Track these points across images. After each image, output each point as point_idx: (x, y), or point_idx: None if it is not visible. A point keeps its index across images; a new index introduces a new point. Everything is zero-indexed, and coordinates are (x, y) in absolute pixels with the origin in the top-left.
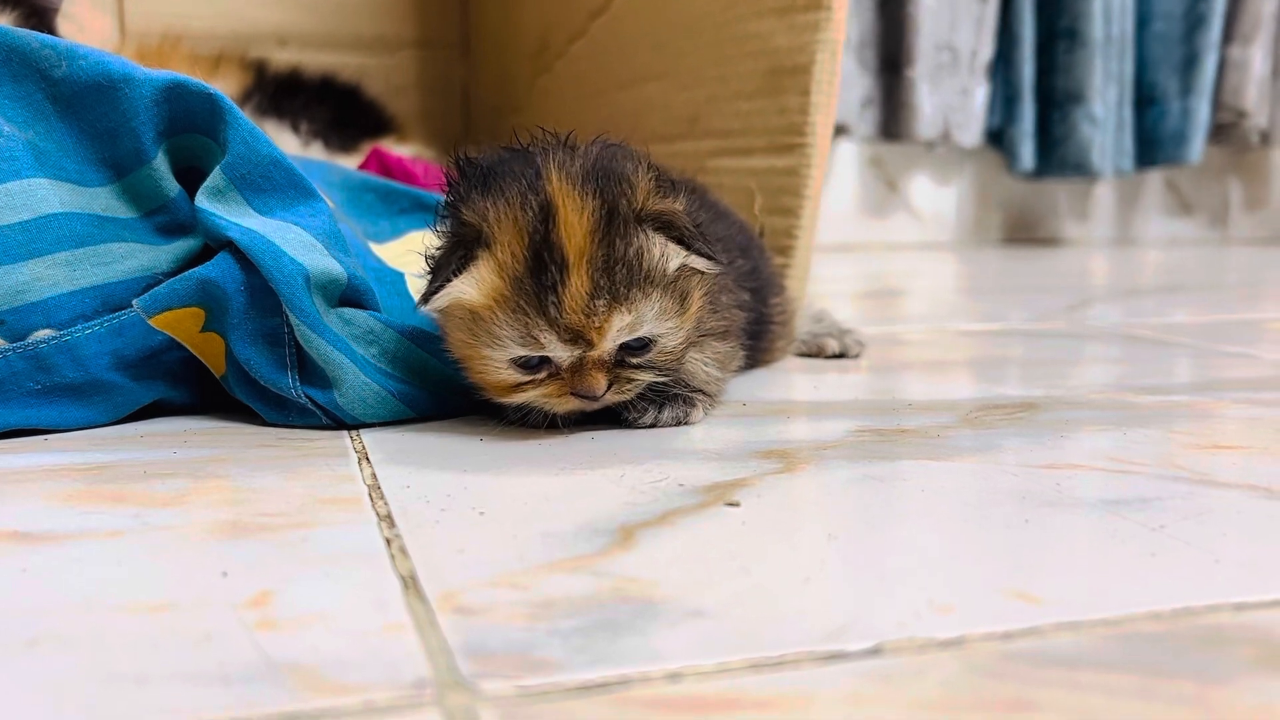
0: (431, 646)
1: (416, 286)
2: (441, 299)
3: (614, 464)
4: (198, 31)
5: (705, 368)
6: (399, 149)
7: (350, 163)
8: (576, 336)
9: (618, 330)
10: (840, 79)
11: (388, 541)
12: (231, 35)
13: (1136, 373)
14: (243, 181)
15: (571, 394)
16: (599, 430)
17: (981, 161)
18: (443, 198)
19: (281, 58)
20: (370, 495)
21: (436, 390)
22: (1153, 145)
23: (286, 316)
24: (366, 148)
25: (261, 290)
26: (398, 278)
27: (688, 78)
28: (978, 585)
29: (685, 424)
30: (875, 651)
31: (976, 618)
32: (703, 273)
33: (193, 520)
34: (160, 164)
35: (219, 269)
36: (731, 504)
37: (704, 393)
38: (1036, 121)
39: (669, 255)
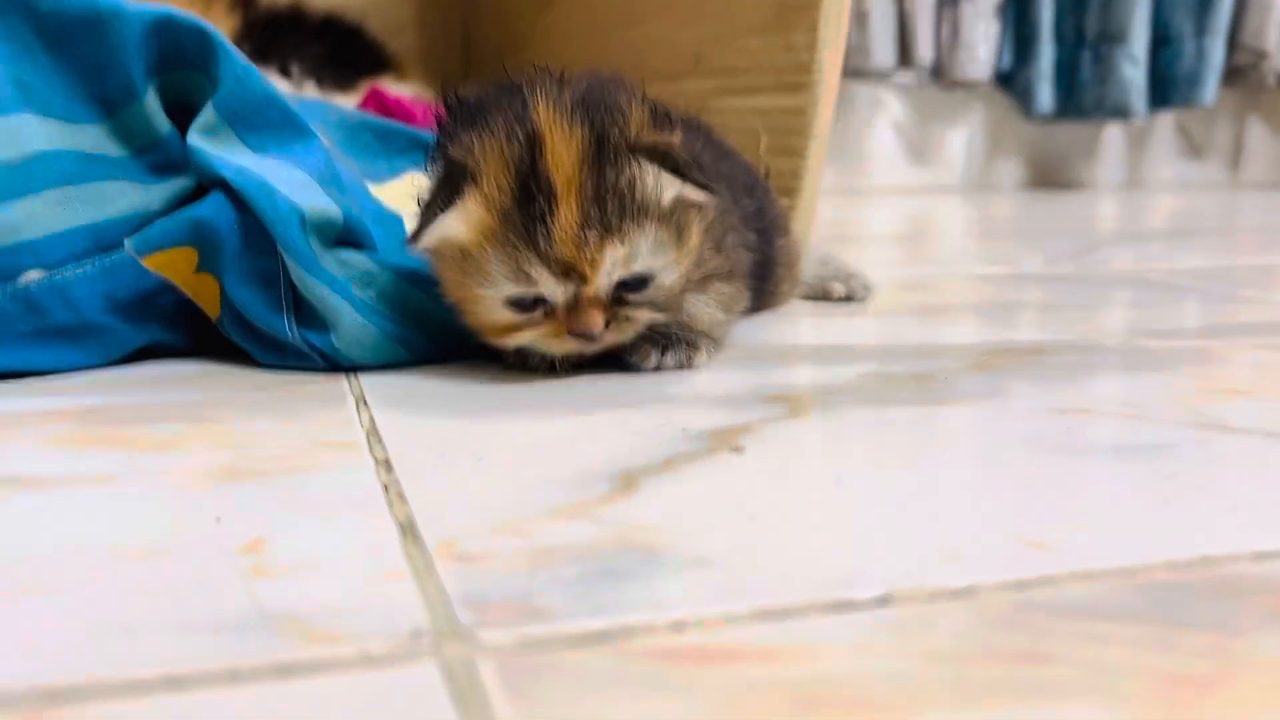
0: (429, 595)
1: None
2: (429, 237)
3: (616, 408)
4: None
5: (708, 309)
6: (398, 88)
7: (347, 102)
8: (568, 270)
9: (611, 264)
10: (849, 15)
11: (385, 487)
12: None
13: (1148, 317)
14: (235, 119)
15: (569, 334)
16: (601, 374)
17: (992, 104)
18: (434, 137)
19: None
20: (368, 439)
21: (435, 334)
22: (1166, 86)
23: (281, 257)
24: (364, 86)
25: (255, 230)
26: (395, 220)
27: (691, 13)
28: (989, 533)
29: (688, 368)
30: (884, 601)
31: (988, 566)
32: (701, 207)
33: (187, 464)
34: (151, 101)
35: (212, 209)
36: (736, 449)
37: (708, 336)
38: (1058, 62)
39: (663, 186)
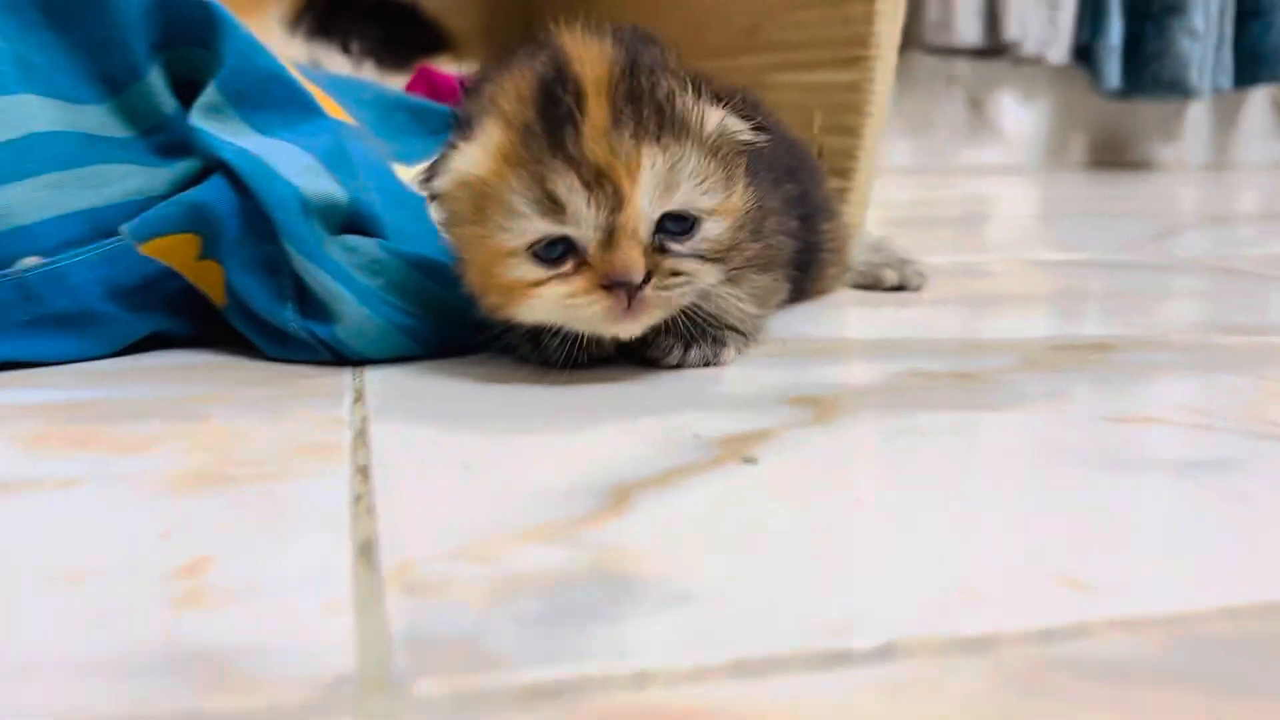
0: (367, 633)
1: None
2: (445, 177)
3: (628, 411)
4: None
5: (740, 304)
6: (455, 68)
7: (403, 81)
8: (600, 179)
9: (652, 176)
10: None
11: (357, 498)
12: None
13: (1226, 309)
14: (239, 97)
15: (603, 285)
16: (621, 373)
17: (1067, 80)
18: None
19: None
20: (354, 443)
21: (447, 325)
22: (1255, 61)
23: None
24: (418, 67)
25: (257, 215)
26: (419, 201)
27: None
28: (1020, 567)
29: (714, 364)
30: (885, 653)
31: (1013, 610)
32: (747, 152)
33: (154, 469)
34: (155, 79)
35: (212, 192)
36: (748, 460)
37: (738, 331)
38: (1126, 37)
39: (705, 111)
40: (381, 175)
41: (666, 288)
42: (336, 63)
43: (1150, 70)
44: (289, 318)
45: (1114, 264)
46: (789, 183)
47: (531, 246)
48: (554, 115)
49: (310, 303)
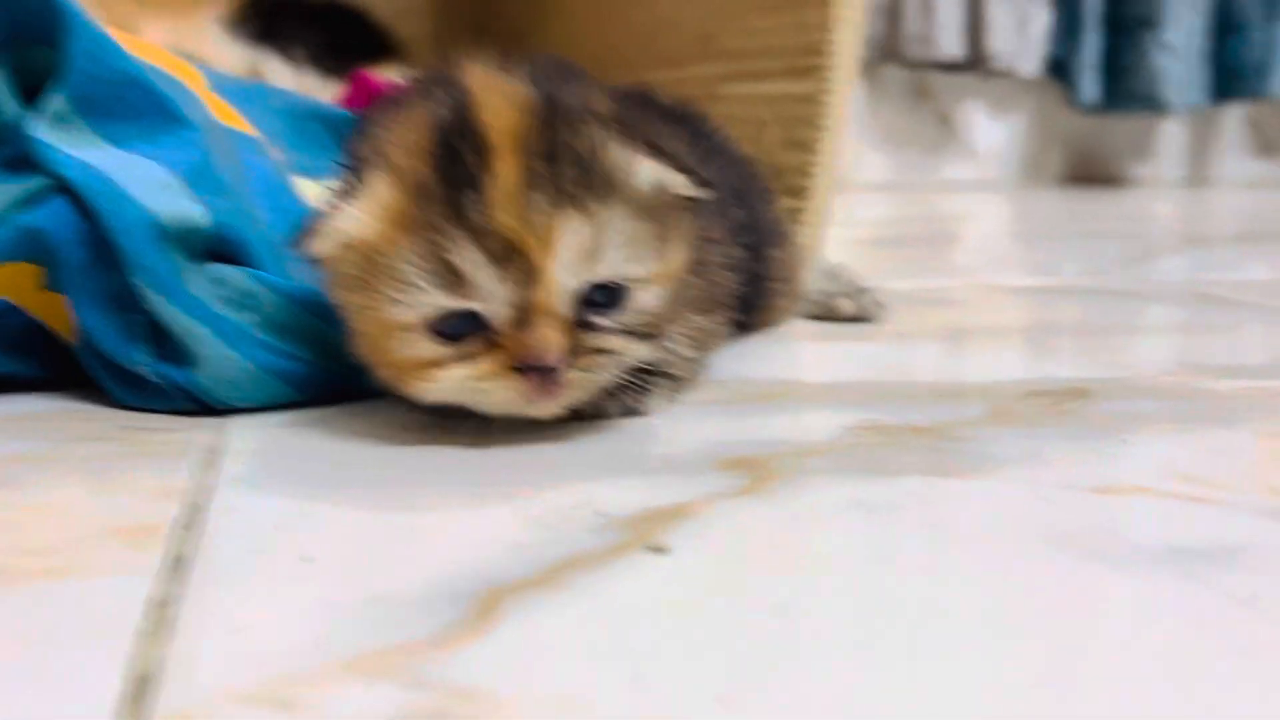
0: None
1: None
2: (323, 238)
3: (527, 479)
4: None
5: (673, 346)
6: (400, 75)
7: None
8: (510, 253)
9: (570, 247)
10: None
11: (159, 606)
12: None
13: (1211, 346)
14: (88, 105)
15: (515, 368)
16: (528, 425)
17: (1041, 94)
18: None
19: None
20: (178, 524)
21: (334, 367)
22: (1232, 77)
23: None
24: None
25: (106, 242)
26: None
27: None
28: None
29: (636, 413)
30: None
31: None
32: (687, 207)
33: None
34: None
35: (51, 215)
36: (656, 549)
37: (669, 375)
38: (1103, 50)
39: (636, 164)
40: (277, 193)
41: (588, 369)
42: (277, 68)
43: (1125, 85)
44: (141, 360)
45: (1089, 290)
46: (736, 208)
47: (429, 322)
48: (454, 174)
49: (167, 343)
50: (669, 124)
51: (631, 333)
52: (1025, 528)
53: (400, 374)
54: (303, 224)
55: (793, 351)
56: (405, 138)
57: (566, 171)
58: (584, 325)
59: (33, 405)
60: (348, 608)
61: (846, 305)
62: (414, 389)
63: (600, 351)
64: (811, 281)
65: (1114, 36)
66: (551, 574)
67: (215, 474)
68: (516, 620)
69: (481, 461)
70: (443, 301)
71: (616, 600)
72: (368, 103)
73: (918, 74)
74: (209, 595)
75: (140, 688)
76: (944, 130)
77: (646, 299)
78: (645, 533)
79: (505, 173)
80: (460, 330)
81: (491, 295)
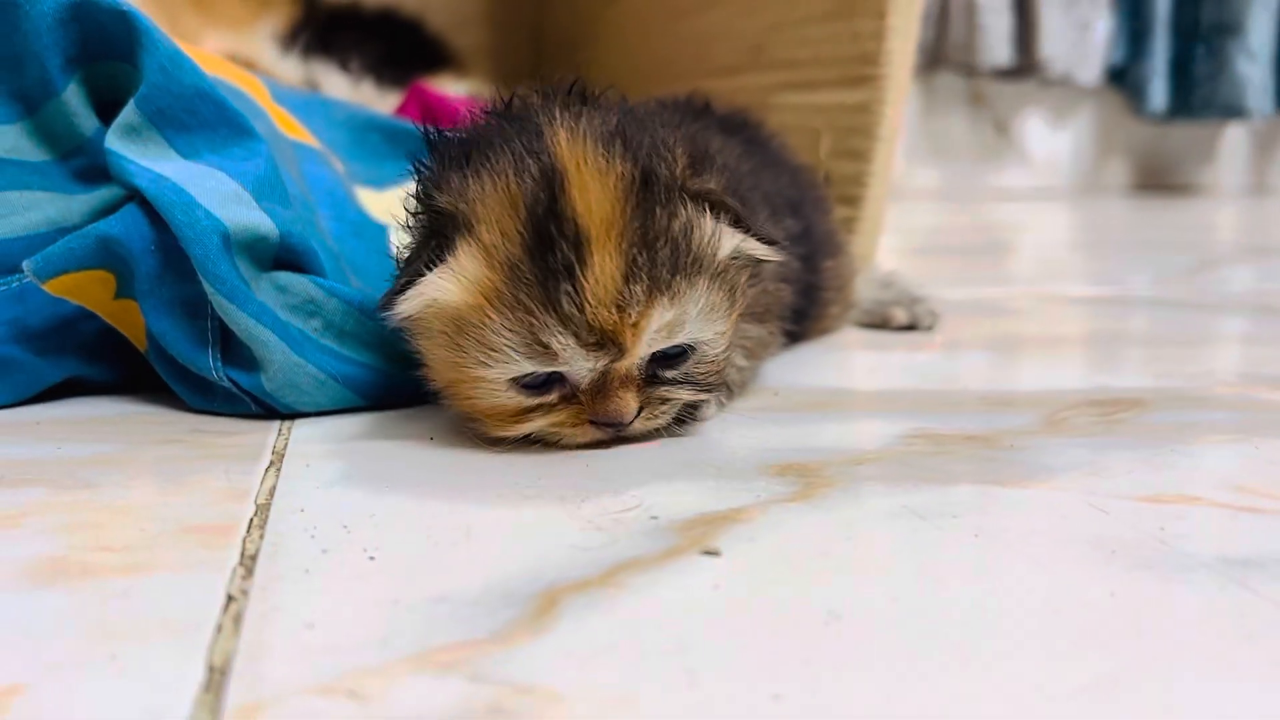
0: None
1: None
2: (409, 301)
3: (581, 484)
4: None
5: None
6: (455, 86)
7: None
8: (603, 341)
9: (656, 330)
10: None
11: (229, 601)
12: None
13: (1269, 357)
14: (161, 117)
15: (591, 422)
16: None
17: (1101, 102)
18: (414, 183)
19: None
20: (250, 522)
21: (395, 374)
22: None
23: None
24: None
25: (176, 250)
26: (379, 232)
27: (753, 0)
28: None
29: (692, 421)
30: None
31: None
32: (756, 262)
33: (5, 555)
34: (72, 96)
35: (123, 224)
36: (710, 552)
37: (724, 384)
38: (1172, 58)
39: (721, 236)
40: (339, 203)
41: (654, 417)
42: (334, 81)
43: (1202, 93)
44: (210, 365)
45: (1146, 300)
46: (790, 218)
47: (513, 380)
48: (547, 265)
49: (235, 349)
50: (725, 134)
51: (694, 383)
52: (1077, 537)
53: (477, 414)
54: (390, 286)
55: (845, 360)
56: (494, 210)
57: (660, 258)
58: (652, 380)
59: (106, 409)
60: (412, 605)
61: (900, 314)
62: (491, 431)
63: (665, 400)
64: (865, 290)
65: (1185, 44)
66: (610, 575)
67: (283, 475)
68: (573, 619)
69: (538, 466)
70: (529, 367)
71: (671, 602)
72: (424, 113)
73: (972, 81)
74: (279, 592)
75: (216, 680)
76: (999, 138)
77: (710, 351)
78: (699, 537)
79: (602, 265)
80: (541, 383)
81: (579, 368)
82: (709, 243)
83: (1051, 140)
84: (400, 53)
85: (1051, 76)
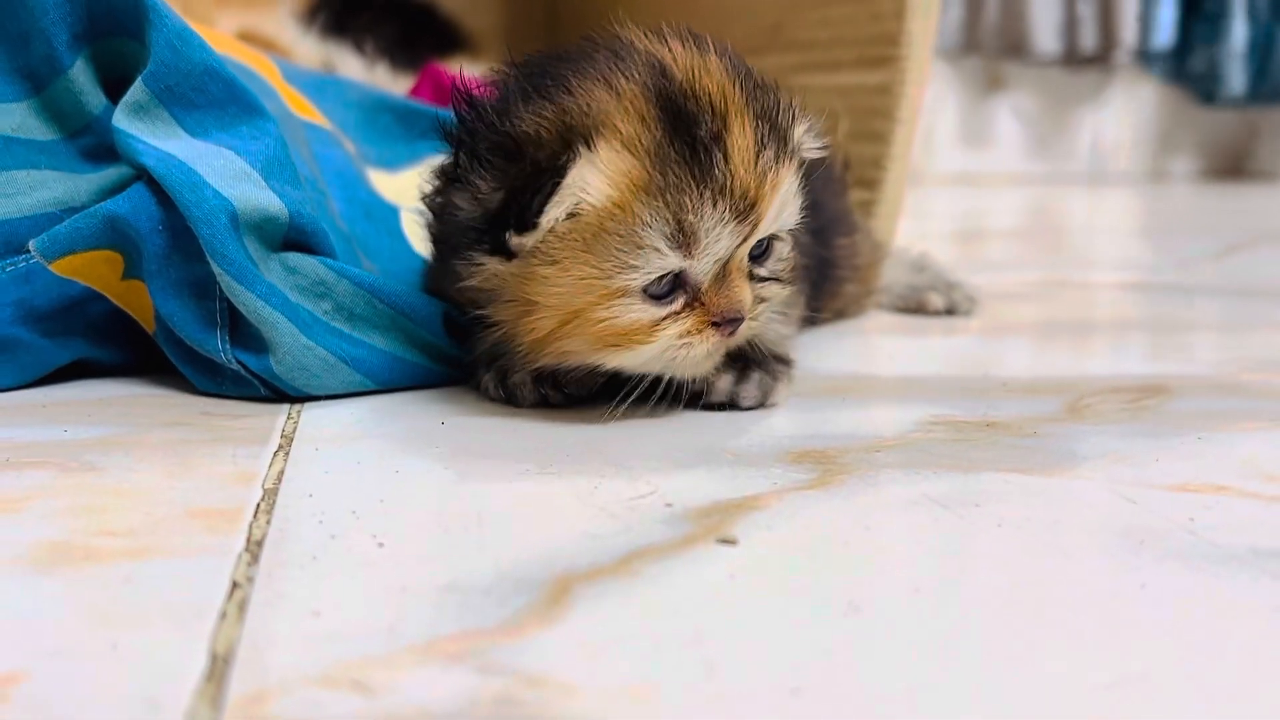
0: None
1: (414, 223)
2: (551, 211)
3: (594, 466)
4: None
5: (773, 325)
6: (469, 68)
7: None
8: (750, 208)
9: (781, 199)
10: None
11: (234, 587)
12: None
13: None
14: (169, 95)
15: (713, 324)
16: (595, 414)
17: (1168, 86)
18: (455, 136)
19: None
20: (257, 507)
21: (406, 357)
22: None
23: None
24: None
25: (184, 230)
26: (390, 213)
27: None
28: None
29: (770, 403)
30: None
31: None
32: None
33: (10, 538)
34: (79, 74)
35: (131, 204)
36: (726, 541)
37: (784, 360)
38: (1252, 40)
39: (801, 127)
40: (350, 184)
41: (755, 316)
42: (349, 62)
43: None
44: (218, 347)
45: (1176, 286)
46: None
47: (648, 285)
48: (693, 137)
49: (244, 331)
50: None
51: (778, 279)
52: (1104, 526)
53: (607, 343)
54: (519, 200)
55: (865, 345)
56: (619, 104)
57: (776, 131)
58: (751, 277)
59: (114, 391)
60: (421, 593)
61: (936, 300)
62: (615, 356)
63: (761, 299)
64: (897, 275)
65: (1258, 27)
66: (624, 563)
67: (291, 459)
68: (587, 608)
69: (552, 451)
70: (674, 262)
71: (687, 591)
72: (437, 94)
73: (1010, 64)
74: (286, 578)
75: (218, 668)
76: (1034, 122)
77: (784, 248)
78: (715, 525)
79: (741, 135)
80: (666, 290)
81: (714, 252)
82: (793, 128)
83: (1110, 126)
84: (415, 35)
85: (1106, 60)
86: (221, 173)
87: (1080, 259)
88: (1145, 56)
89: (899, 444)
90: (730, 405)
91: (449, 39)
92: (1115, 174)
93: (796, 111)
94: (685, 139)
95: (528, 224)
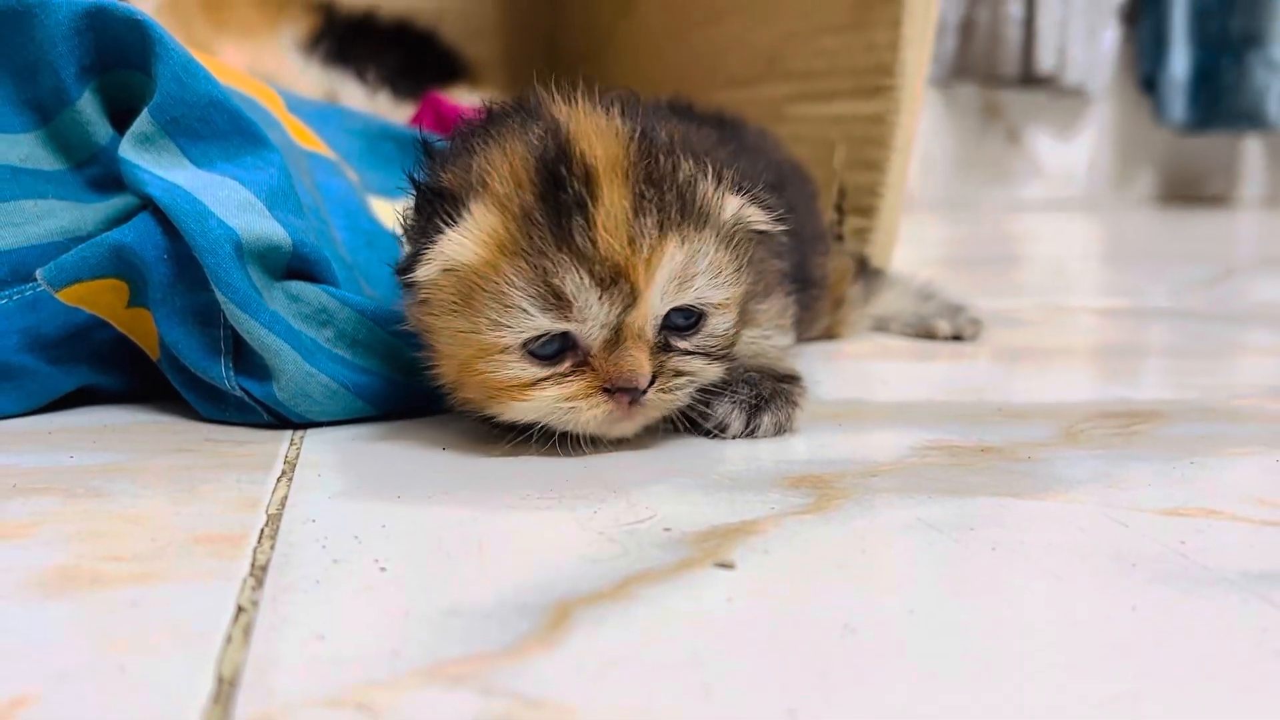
0: None
1: None
2: (427, 265)
3: (593, 491)
4: None
5: (769, 341)
6: (470, 97)
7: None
8: (615, 277)
9: (669, 272)
10: (937, 10)
11: (239, 611)
12: None
13: None
14: (175, 126)
15: (604, 389)
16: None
17: (1124, 111)
18: (411, 180)
19: (359, 0)
20: (261, 532)
21: (408, 383)
22: None
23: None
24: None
25: (188, 259)
26: (392, 242)
27: (767, 11)
28: None
29: (787, 430)
30: None
31: None
32: (753, 239)
33: (18, 563)
34: (86, 105)
35: (136, 233)
36: (724, 565)
37: (790, 378)
38: (1196, 68)
39: (724, 199)
40: (353, 213)
41: (669, 390)
42: (351, 91)
43: (1226, 103)
44: (222, 374)
45: (1163, 311)
46: (773, 197)
47: (527, 344)
48: (558, 201)
49: (247, 358)
50: (708, 124)
51: (706, 354)
52: (1096, 550)
53: (491, 395)
54: (406, 254)
55: (860, 371)
56: (504, 166)
57: (668, 198)
58: (665, 348)
59: (119, 417)
60: (423, 617)
61: (944, 326)
62: (504, 409)
63: (679, 374)
64: (904, 303)
65: (1210, 54)
66: (623, 587)
67: (294, 485)
68: (586, 633)
69: (550, 475)
70: (544, 324)
71: (685, 615)
72: (437, 123)
73: (985, 91)
74: (290, 603)
75: (224, 691)
76: (1014, 149)
77: (721, 323)
78: (712, 549)
79: (612, 199)
80: (553, 351)
81: (591, 317)
82: (714, 199)
83: (1062, 151)
84: (416, 64)
85: (1064, 86)
86: (226, 203)
87: (1054, 285)
88: (1092, 82)
89: (895, 469)
90: (751, 434)
91: (450, 68)
92: (1073, 199)
93: (726, 182)
94: (553, 202)
95: (409, 270)
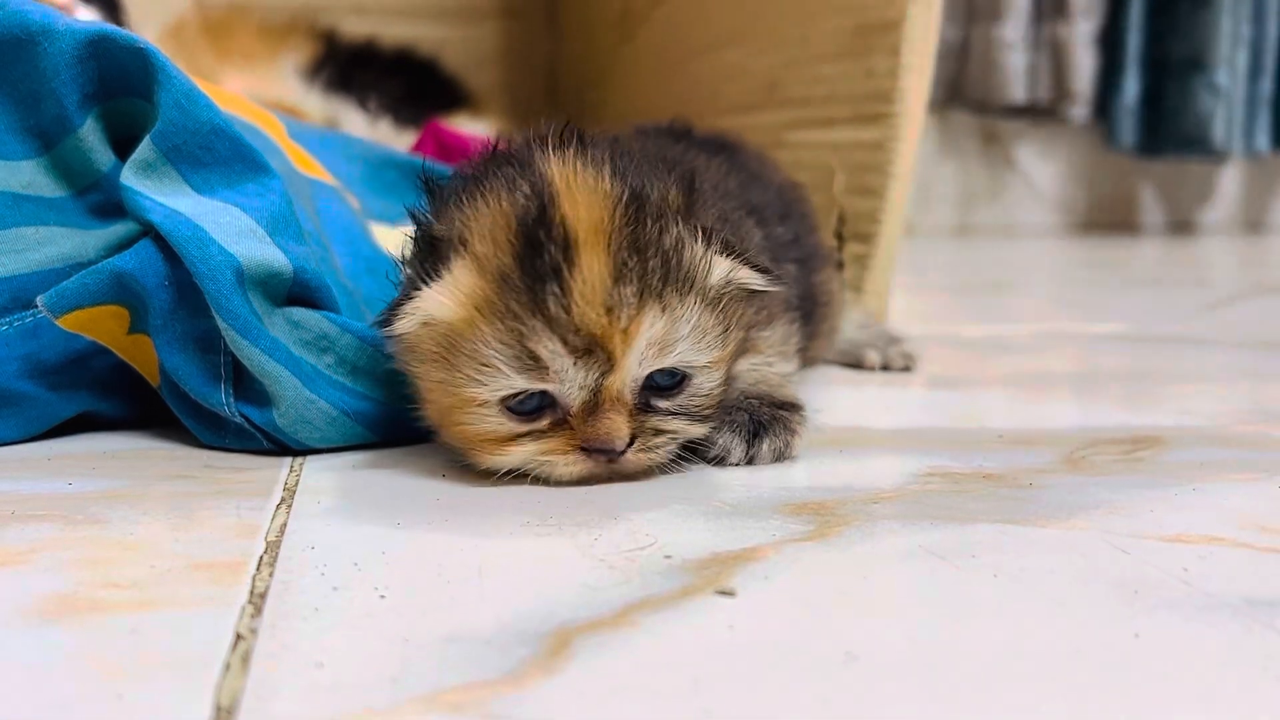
0: None
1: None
2: (406, 318)
3: (594, 518)
4: (269, 1)
5: (771, 368)
6: (471, 125)
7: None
8: (591, 346)
9: (648, 341)
10: (936, 37)
11: (237, 639)
12: (304, 4)
13: None
14: (177, 153)
15: (582, 449)
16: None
17: (1087, 137)
18: (414, 216)
19: (360, 28)
20: (260, 560)
21: (407, 408)
22: None
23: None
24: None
25: (189, 285)
26: (393, 268)
27: (767, 39)
28: None
29: (787, 458)
30: None
31: None
32: (749, 298)
33: (17, 590)
34: (89, 133)
35: (138, 259)
36: (724, 592)
37: (791, 406)
38: (1147, 93)
39: (712, 262)
40: (354, 239)
41: (649, 449)
42: (353, 118)
43: (1170, 127)
44: (222, 401)
45: (1157, 337)
46: (779, 227)
47: (504, 400)
48: (535, 266)
49: (247, 385)
50: (707, 155)
51: (688, 415)
52: (1098, 577)
53: (470, 446)
54: (387, 305)
55: (860, 397)
56: (486, 225)
57: (651, 265)
58: (645, 408)
59: (118, 444)
60: (421, 645)
61: (873, 356)
62: (481, 460)
63: (659, 433)
64: (845, 329)
65: (1159, 79)
66: (624, 615)
67: (293, 512)
68: (586, 661)
69: (550, 502)
70: (520, 384)
71: (686, 642)
72: (439, 151)
73: (977, 118)
74: (289, 630)
75: (223, 718)
76: (1009, 175)
77: (705, 383)
78: (713, 576)
79: (590, 266)
80: (533, 408)
81: (568, 380)
82: (700, 263)
83: (1045, 177)
84: (417, 91)
85: (1043, 111)
86: (227, 229)
87: (1047, 310)
88: (1070, 109)
89: (896, 495)
90: (751, 462)
91: (451, 96)
92: (1053, 225)
93: (716, 244)
94: (530, 267)
95: (388, 323)
